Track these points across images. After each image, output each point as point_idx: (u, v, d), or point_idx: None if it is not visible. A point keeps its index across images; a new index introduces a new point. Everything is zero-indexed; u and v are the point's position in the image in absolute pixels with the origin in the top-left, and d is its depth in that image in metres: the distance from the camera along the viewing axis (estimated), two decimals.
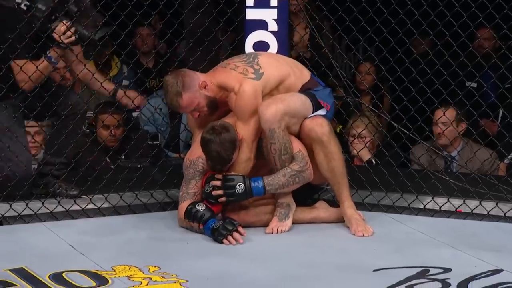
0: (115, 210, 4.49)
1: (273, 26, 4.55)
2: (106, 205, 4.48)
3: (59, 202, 4.39)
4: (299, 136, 4.18)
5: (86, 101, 4.63)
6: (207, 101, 4.14)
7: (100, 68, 6.63)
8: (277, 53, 4.52)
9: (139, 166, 5.26)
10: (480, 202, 4.43)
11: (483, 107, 4.85)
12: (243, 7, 4.57)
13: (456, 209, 4.45)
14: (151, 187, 4.62)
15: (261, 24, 4.55)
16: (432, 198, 4.52)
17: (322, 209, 4.34)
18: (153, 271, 3.59)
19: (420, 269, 3.62)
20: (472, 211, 4.42)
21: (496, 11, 4.44)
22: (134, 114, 6.37)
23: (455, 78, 4.62)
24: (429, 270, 3.61)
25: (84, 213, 4.41)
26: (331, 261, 3.77)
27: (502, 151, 5.06)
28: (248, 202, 4.17)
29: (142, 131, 6.06)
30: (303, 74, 4.26)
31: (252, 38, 4.56)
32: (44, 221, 4.29)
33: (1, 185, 4.32)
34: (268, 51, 4.52)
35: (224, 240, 3.95)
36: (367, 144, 5.31)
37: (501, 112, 5.82)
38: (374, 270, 3.63)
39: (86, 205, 4.45)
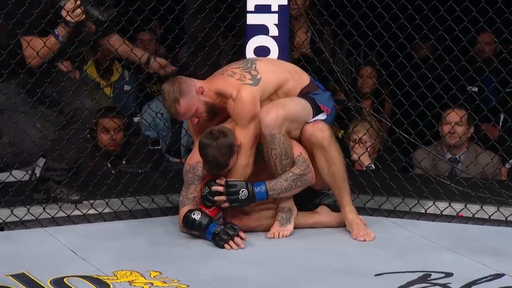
0: (116, 215, 4.48)
1: (274, 31, 4.55)
2: (107, 210, 4.48)
3: (60, 207, 4.39)
4: (299, 141, 4.18)
5: (87, 107, 4.63)
6: (206, 107, 4.14)
7: (102, 73, 6.68)
8: (278, 58, 4.52)
9: (140, 171, 5.27)
10: (481, 207, 4.43)
11: (484, 111, 4.85)
12: (244, 12, 4.57)
13: (457, 214, 4.45)
14: (152, 192, 4.62)
15: (262, 29, 4.55)
16: (434, 202, 4.52)
17: (323, 214, 4.34)
18: (154, 276, 3.59)
19: (421, 273, 3.62)
20: (473, 215, 4.41)
21: (497, 15, 4.44)
22: (135, 119, 6.38)
23: (456, 82, 4.62)
24: (431, 274, 3.61)
25: (85, 218, 4.41)
26: (333, 265, 3.77)
27: (503, 156, 5.06)
28: (249, 207, 4.17)
29: (143, 136, 6.06)
30: (302, 79, 4.26)
31: (253, 43, 4.56)
32: (45, 226, 4.29)
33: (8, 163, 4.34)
34: (269, 56, 4.53)
35: (225, 245, 3.95)
36: (368, 149, 5.31)
37: (502, 116, 5.81)
38: (376, 275, 3.62)
39: (87, 210, 4.45)
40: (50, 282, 3.49)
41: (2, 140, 4.40)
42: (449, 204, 4.48)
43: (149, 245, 4.07)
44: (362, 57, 6.12)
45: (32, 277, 3.54)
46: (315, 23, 4.96)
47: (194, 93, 4.12)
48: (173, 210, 4.47)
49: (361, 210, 4.41)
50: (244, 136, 4.10)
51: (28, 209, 4.32)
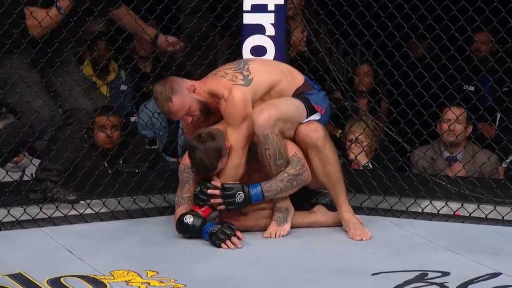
0: (113, 215, 4.48)
1: (271, 31, 4.54)
2: (104, 210, 4.48)
3: (57, 207, 4.39)
4: (294, 141, 4.18)
5: (84, 107, 4.61)
6: (199, 105, 4.15)
7: (98, 73, 6.68)
8: (274, 57, 4.52)
9: (137, 171, 5.26)
10: (478, 206, 4.43)
11: (481, 110, 4.85)
12: (240, 11, 4.57)
13: (454, 213, 4.45)
14: (149, 192, 4.62)
15: (259, 29, 4.55)
16: (430, 201, 4.52)
17: (320, 213, 4.34)
18: (151, 276, 3.58)
19: (418, 272, 3.62)
20: (470, 214, 4.42)
21: (493, 14, 4.44)
22: (132, 119, 6.38)
23: (453, 81, 4.63)
24: (427, 273, 3.61)
25: (82, 218, 4.41)
26: (330, 265, 3.77)
27: (500, 155, 5.06)
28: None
29: (140, 135, 6.05)
30: (295, 79, 4.26)
31: (250, 42, 4.56)
32: (42, 227, 4.28)
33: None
34: (266, 56, 4.52)
35: (222, 245, 3.95)
36: (365, 148, 5.31)
37: (498, 115, 5.82)
38: (373, 274, 3.63)
39: (84, 210, 4.44)
40: (46, 282, 3.49)
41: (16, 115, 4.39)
42: (446, 203, 4.48)
43: (145, 244, 4.07)
44: (359, 56, 6.12)
45: (29, 277, 3.54)
46: (311, 22, 4.96)
47: (186, 91, 4.14)
48: (170, 209, 4.47)
49: (358, 210, 4.41)
50: (236, 137, 4.10)
51: (24, 209, 4.32)
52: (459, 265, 3.75)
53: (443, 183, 4.70)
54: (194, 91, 4.15)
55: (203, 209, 4.08)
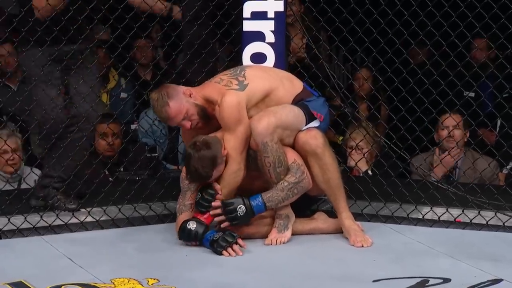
0: (114, 223, 4.48)
1: (270, 38, 4.55)
2: (104, 218, 4.48)
3: (57, 215, 4.39)
4: (293, 149, 4.18)
5: (84, 114, 4.61)
6: (197, 109, 4.15)
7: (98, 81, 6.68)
8: (274, 64, 4.52)
9: (137, 178, 5.26)
10: (479, 212, 4.43)
11: (481, 116, 4.85)
12: (240, 18, 4.58)
13: (455, 219, 4.45)
14: (149, 200, 4.62)
15: (258, 36, 4.55)
16: (431, 208, 4.52)
17: (321, 220, 4.33)
18: (152, 284, 3.58)
19: (419, 279, 3.62)
20: (471, 220, 4.41)
21: (492, 21, 4.45)
22: (133, 127, 6.38)
23: (453, 87, 4.63)
24: (429, 280, 3.61)
25: (83, 226, 4.41)
26: (331, 272, 3.77)
27: (500, 161, 5.06)
28: None
29: (141, 143, 6.06)
30: (294, 86, 4.26)
31: (250, 49, 4.56)
32: (42, 235, 4.28)
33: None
34: (265, 63, 4.53)
35: (224, 252, 3.95)
36: (365, 155, 5.30)
37: (499, 121, 5.82)
38: (374, 281, 3.62)
39: (85, 218, 4.44)
40: None
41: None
42: (447, 209, 4.48)
43: (146, 252, 4.06)
44: (359, 63, 6.12)
45: (29, 286, 3.54)
46: (311, 29, 4.96)
47: (182, 95, 4.14)
48: (171, 217, 4.47)
49: (359, 216, 4.41)
50: (233, 142, 4.09)
51: (25, 217, 4.32)
52: (460, 271, 3.75)
53: (444, 188, 4.70)
54: (190, 96, 4.15)
55: (205, 216, 4.09)
